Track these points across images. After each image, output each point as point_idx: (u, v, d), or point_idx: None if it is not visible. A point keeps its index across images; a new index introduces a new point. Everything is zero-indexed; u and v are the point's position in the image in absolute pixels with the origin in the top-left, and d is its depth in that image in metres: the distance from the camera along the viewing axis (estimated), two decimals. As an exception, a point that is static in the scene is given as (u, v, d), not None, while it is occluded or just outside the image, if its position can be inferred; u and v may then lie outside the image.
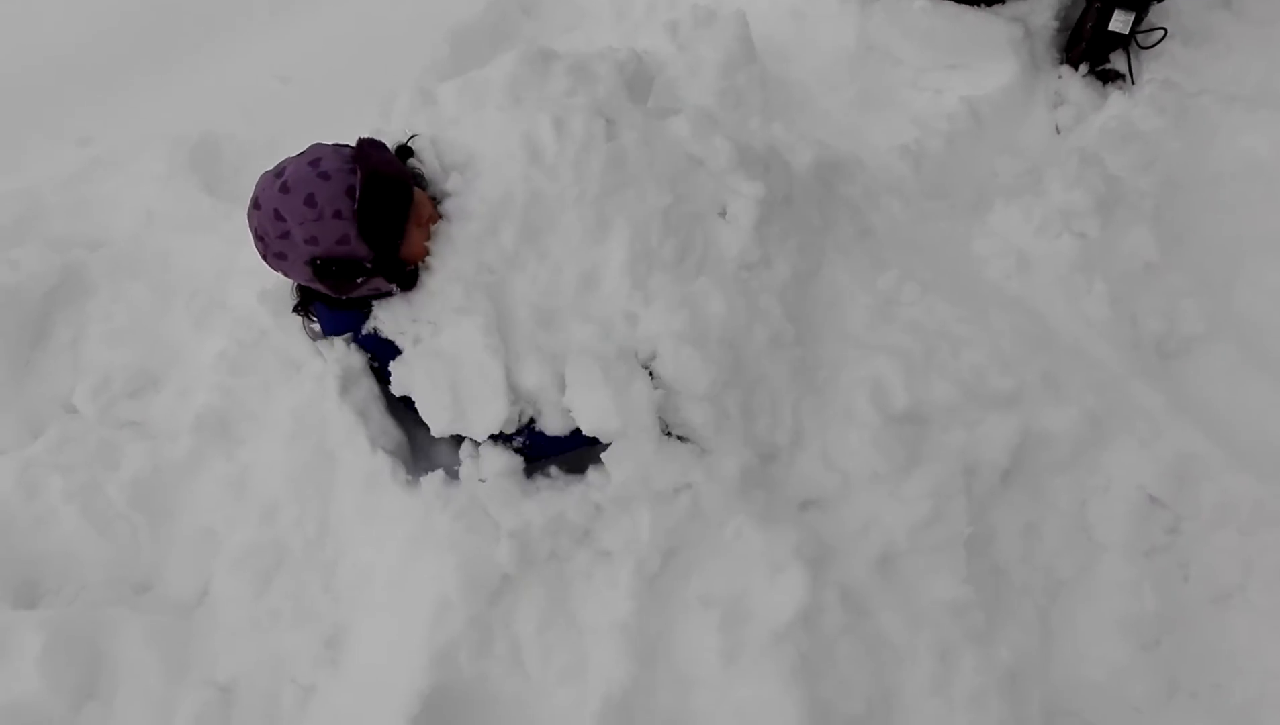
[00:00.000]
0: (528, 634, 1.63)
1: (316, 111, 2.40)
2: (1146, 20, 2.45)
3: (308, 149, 1.67)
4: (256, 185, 1.65)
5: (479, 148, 1.79)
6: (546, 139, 1.72)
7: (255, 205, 1.64)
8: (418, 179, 1.74)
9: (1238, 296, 2.01)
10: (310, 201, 1.59)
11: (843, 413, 1.73)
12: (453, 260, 1.69)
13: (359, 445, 1.77)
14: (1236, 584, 1.71)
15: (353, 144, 1.68)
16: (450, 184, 1.74)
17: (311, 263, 1.63)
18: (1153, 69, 2.46)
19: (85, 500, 1.82)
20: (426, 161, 1.80)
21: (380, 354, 1.76)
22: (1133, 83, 2.46)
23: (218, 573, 1.79)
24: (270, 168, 1.66)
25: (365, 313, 1.75)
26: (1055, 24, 2.59)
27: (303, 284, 1.73)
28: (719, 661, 1.57)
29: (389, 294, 1.72)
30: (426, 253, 1.70)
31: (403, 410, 1.76)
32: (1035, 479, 1.76)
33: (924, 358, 1.75)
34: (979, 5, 2.55)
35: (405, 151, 1.79)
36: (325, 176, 1.61)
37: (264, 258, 1.67)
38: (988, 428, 1.73)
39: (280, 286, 2.06)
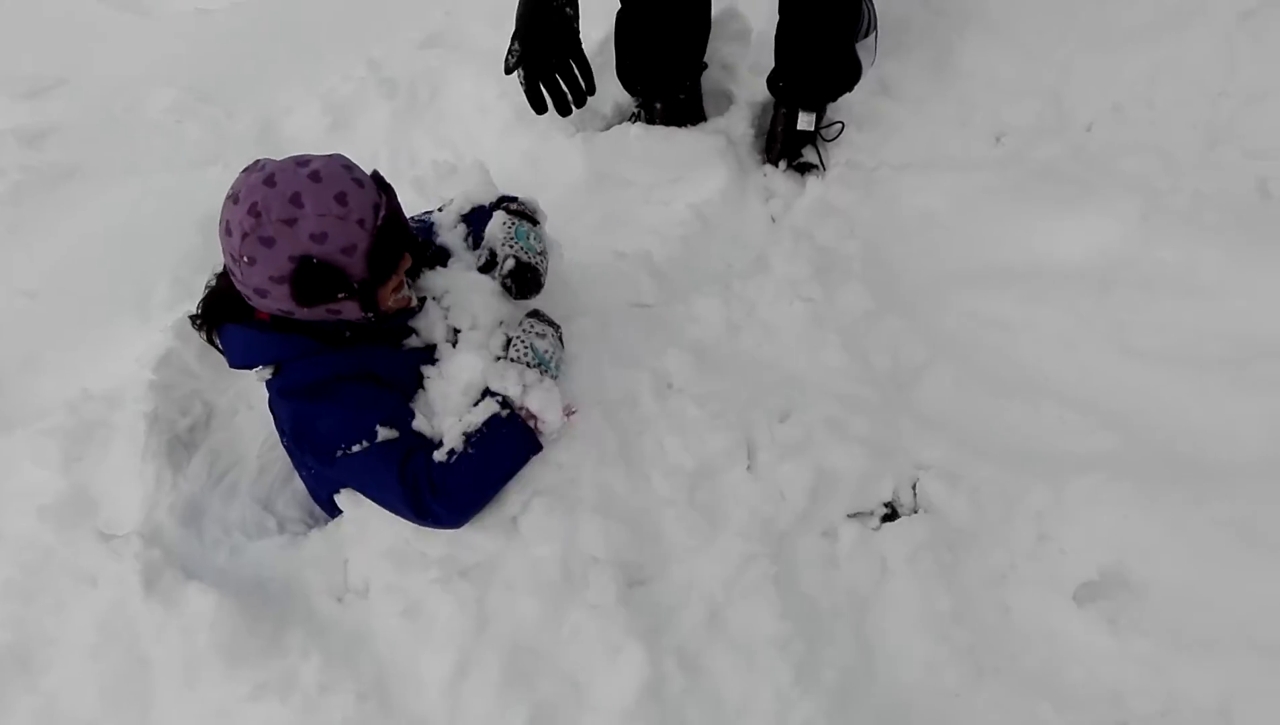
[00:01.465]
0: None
1: (71, 321, 2.36)
2: (826, 117, 2.85)
3: (332, 154, 1.65)
4: (269, 165, 1.60)
5: None
6: None
7: (268, 181, 1.56)
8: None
9: (945, 324, 2.34)
10: (342, 200, 1.56)
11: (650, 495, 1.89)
12: None
13: (172, 640, 1.73)
14: (1007, 564, 1.94)
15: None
16: None
17: (301, 260, 1.56)
18: (838, 155, 2.85)
19: (-127, 776, 1.66)
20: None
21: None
22: (824, 169, 2.84)
23: (37, 818, 1.66)
24: (276, 158, 1.62)
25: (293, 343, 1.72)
26: (751, 131, 2.96)
27: (243, 286, 1.63)
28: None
29: (332, 331, 1.71)
30: (388, 302, 1.73)
31: None
32: (826, 513, 1.96)
33: (708, 421, 1.94)
34: (685, 126, 2.89)
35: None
36: (359, 183, 1.60)
37: (240, 239, 1.56)
38: (785, 473, 1.93)
39: (60, 500, 2.00)
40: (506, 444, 1.74)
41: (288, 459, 2.04)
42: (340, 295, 1.63)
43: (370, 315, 1.71)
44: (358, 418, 1.72)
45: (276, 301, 1.64)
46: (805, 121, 2.76)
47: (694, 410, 1.99)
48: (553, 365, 1.83)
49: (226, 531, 1.95)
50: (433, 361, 1.86)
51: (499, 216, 2.00)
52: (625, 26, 2.77)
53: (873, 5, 2.67)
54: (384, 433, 1.72)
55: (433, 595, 1.71)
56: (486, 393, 1.79)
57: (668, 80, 2.84)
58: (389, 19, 3.39)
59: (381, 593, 1.75)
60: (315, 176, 1.58)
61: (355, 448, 1.70)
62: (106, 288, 2.43)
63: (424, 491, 1.67)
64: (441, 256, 2.00)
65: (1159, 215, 2.43)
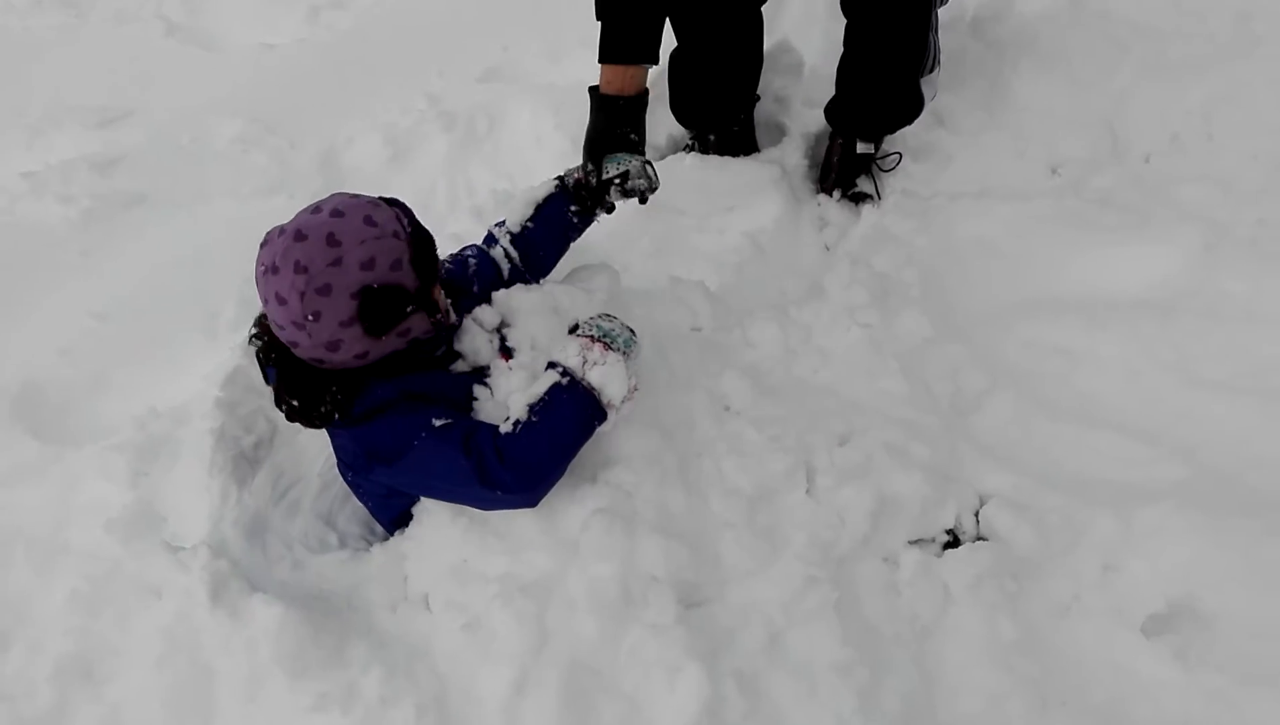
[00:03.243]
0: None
1: (140, 341, 2.42)
2: (882, 148, 2.86)
3: (329, 196, 1.68)
4: (290, 225, 1.61)
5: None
6: None
7: (298, 236, 1.58)
8: None
9: (1005, 352, 2.33)
10: (370, 221, 1.61)
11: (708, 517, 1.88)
12: None
13: (236, 651, 1.75)
14: (1071, 595, 1.90)
15: None
16: None
17: (361, 292, 1.59)
18: (892, 185, 2.86)
19: (-57, 783, 1.69)
20: None
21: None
22: (879, 199, 2.84)
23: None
24: (285, 223, 1.63)
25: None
26: (805, 162, 2.98)
27: (310, 346, 1.64)
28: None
29: (387, 363, 1.73)
30: (443, 303, 1.79)
31: None
32: (887, 539, 1.94)
33: (766, 444, 1.93)
34: (739, 155, 2.92)
35: None
36: (375, 204, 1.65)
37: (300, 299, 1.57)
38: (845, 498, 1.92)
39: (127, 514, 2.04)
40: (570, 409, 1.72)
41: (348, 477, 2.08)
42: (409, 309, 1.67)
43: (435, 320, 1.75)
44: (412, 419, 1.74)
45: (349, 349, 1.66)
46: (863, 150, 2.78)
47: (752, 433, 1.98)
48: (620, 341, 1.80)
49: (289, 546, 1.97)
50: (484, 383, 1.87)
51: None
52: (680, 63, 2.81)
53: (938, 41, 2.69)
54: (440, 422, 1.74)
55: (493, 611, 1.71)
56: (550, 365, 1.79)
57: (722, 114, 2.88)
58: (448, 54, 3.48)
59: (442, 607, 1.76)
60: (337, 212, 1.61)
61: (415, 442, 1.72)
62: (174, 310, 2.49)
63: (489, 460, 1.67)
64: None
65: (1222, 244, 2.41)
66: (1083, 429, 2.17)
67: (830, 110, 2.80)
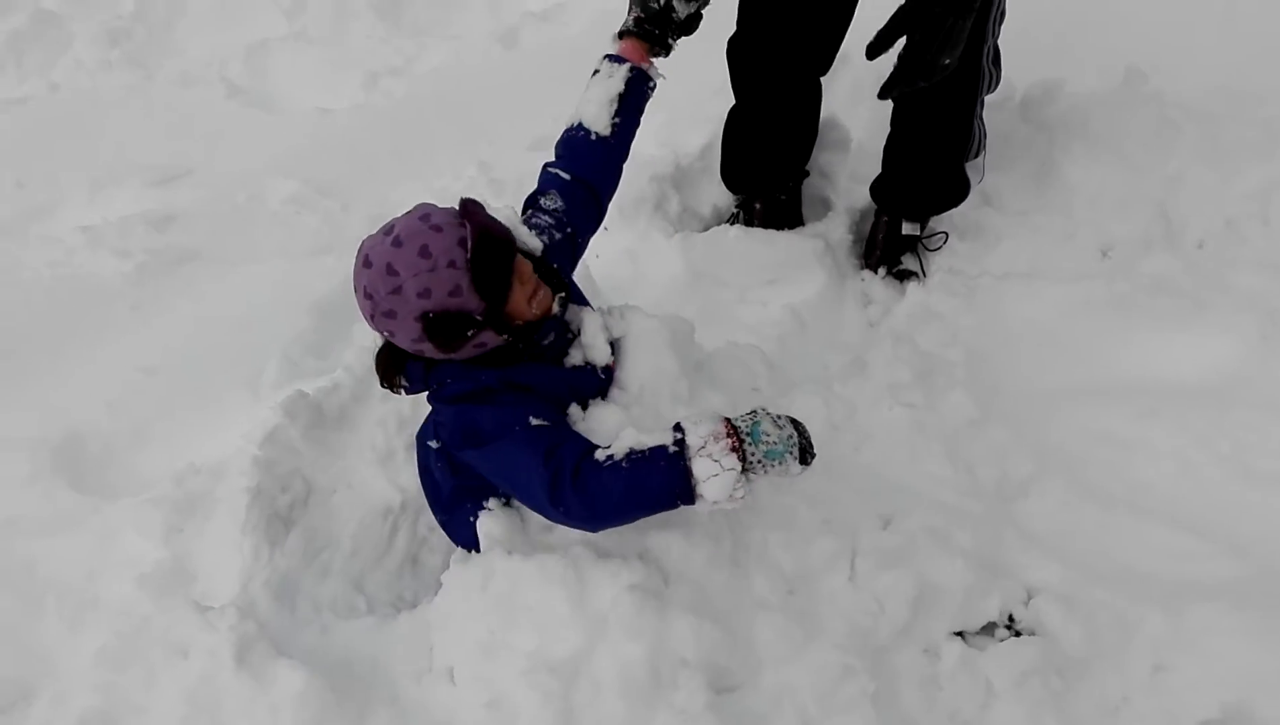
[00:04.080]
0: None
1: (184, 396, 2.44)
2: (929, 227, 2.85)
3: (413, 207, 1.71)
4: (364, 245, 1.69)
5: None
6: None
7: (365, 263, 1.66)
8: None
9: (1053, 437, 2.27)
10: (425, 252, 1.62)
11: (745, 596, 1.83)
12: None
13: (258, 715, 1.72)
14: (1120, 696, 1.83)
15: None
16: None
17: (423, 318, 1.65)
18: (938, 263, 2.83)
19: (-42, 833, 1.67)
20: None
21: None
22: (924, 277, 2.82)
23: None
24: (372, 233, 1.70)
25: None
26: (850, 237, 2.97)
27: (404, 348, 1.75)
28: None
29: (493, 354, 1.76)
30: (528, 311, 1.77)
31: None
32: (928, 629, 1.88)
33: (817, 525, 1.90)
34: (783, 229, 2.92)
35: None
36: (438, 229, 1.64)
37: (371, 319, 1.69)
38: (886, 584, 1.86)
39: (159, 570, 2.04)
40: (661, 478, 1.66)
41: (380, 541, 2.07)
42: (470, 332, 1.70)
43: (507, 337, 1.76)
44: (511, 412, 1.77)
45: (432, 354, 1.75)
46: (909, 229, 2.77)
47: (804, 510, 1.93)
48: (761, 449, 1.65)
49: (318, 610, 1.96)
50: (592, 382, 1.90)
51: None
52: (736, 124, 2.83)
53: (984, 126, 2.69)
54: (536, 422, 1.76)
55: (519, 688, 1.68)
56: (677, 425, 1.72)
57: (773, 179, 2.89)
58: (499, 123, 3.55)
59: (467, 681, 1.72)
60: (397, 242, 1.65)
61: (507, 435, 1.74)
62: (220, 366, 2.52)
63: (564, 478, 1.67)
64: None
65: (1279, 334, 2.34)
66: (1134, 520, 2.10)
67: (876, 188, 2.80)
